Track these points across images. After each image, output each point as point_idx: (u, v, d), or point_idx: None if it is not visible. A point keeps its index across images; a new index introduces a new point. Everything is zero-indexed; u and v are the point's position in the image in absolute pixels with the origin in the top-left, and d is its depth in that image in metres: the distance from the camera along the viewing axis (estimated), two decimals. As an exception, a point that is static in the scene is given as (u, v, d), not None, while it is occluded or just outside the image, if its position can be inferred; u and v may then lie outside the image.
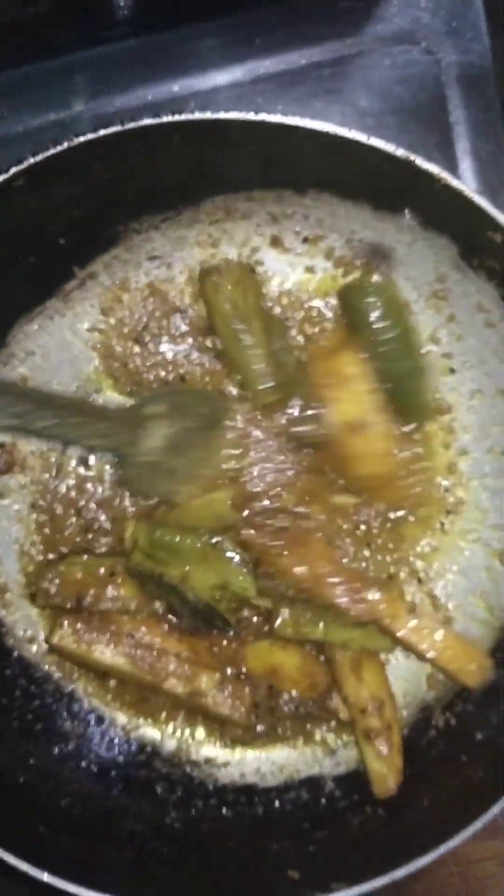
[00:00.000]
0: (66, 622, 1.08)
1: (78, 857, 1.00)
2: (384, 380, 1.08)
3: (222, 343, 1.11)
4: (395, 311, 1.08)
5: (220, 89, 1.21)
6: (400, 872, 0.97)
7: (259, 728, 1.13)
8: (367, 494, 1.13)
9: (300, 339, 1.13)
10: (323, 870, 1.02)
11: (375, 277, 1.10)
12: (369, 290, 1.08)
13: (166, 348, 1.13)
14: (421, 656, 1.11)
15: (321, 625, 1.08)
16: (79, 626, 1.08)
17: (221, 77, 1.21)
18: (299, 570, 1.08)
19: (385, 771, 1.07)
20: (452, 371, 1.14)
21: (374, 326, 1.07)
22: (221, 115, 0.89)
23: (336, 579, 1.09)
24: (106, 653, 1.08)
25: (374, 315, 1.07)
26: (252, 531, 1.09)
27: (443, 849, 0.97)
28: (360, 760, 1.11)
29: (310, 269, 1.13)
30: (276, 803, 1.14)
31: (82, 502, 1.14)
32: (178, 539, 1.06)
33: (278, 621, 1.08)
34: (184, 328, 1.13)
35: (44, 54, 1.23)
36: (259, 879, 1.03)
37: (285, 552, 1.08)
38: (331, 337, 1.13)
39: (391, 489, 1.13)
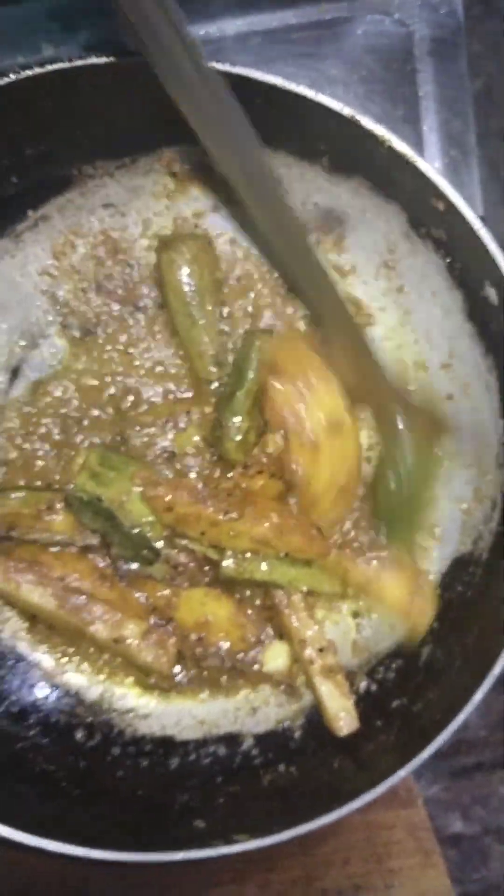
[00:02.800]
0: None
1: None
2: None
3: (173, 317, 1.12)
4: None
5: (190, 45, 1.20)
6: (303, 829, 0.97)
7: (180, 677, 1.14)
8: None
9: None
10: (228, 821, 1.03)
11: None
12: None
13: (116, 298, 1.14)
14: (372, 595, 1.13)
15: (265, 565, 1.09)
16: (10, 563, 1.09)
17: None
18: (259, 528, 1.07)
19: (350, 706, 1.10)
20: (399, 345, 1.15)
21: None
22: (172, 58, 0.88)
23: (295, 527, 1.09)
24: (34, 592, 1.08)
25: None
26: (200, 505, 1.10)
27: (344, 811, 0.98)
28: (274, 718, 1.13)
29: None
30: (193, 756, 1.15)
31: (27, 438, 1.14)
32: (128, 462, 1.08)
33: (224, 563, 1.08)
34: (136, 280, 1.14)
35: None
36: (165, 826, 1.04)
37: (235, 514, 1.08)
38: (293, 331, 1.14)
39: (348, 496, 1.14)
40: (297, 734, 1.15)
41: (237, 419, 1.10)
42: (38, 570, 1.09)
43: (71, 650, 1.16)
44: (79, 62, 0.88)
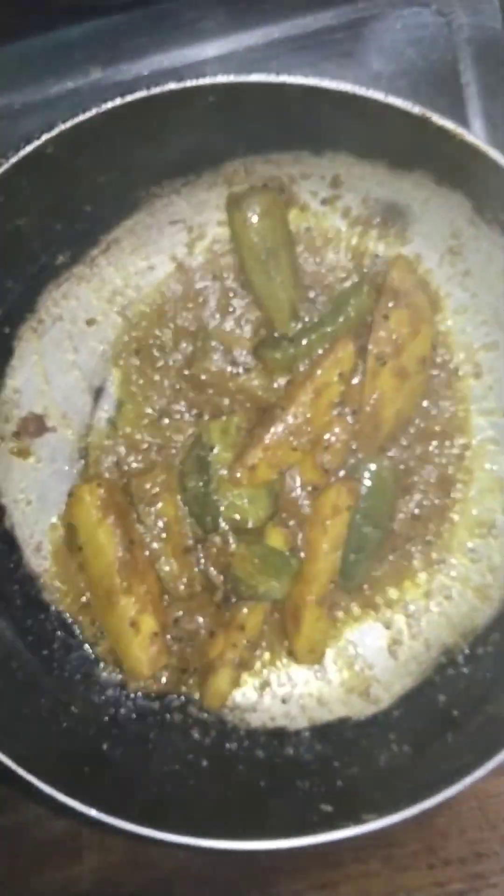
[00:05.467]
0: (103, 486, 1.12)
1: (120, 795, 1.05)
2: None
3: (248, 274, 1.13)
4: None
5: (235, 54, 1.23)
6: (427, 804, 1.01)
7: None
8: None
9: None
10: (353, 802, 1.07)
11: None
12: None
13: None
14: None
15: None
16: (112, 498, 1.13)
17: (236, 42, 1.23)
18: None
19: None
20: (464, 329, 1.18)
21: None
22: (243, 77, 0.91)
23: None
24: (112, 532, 1.12)
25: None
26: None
27: (467, 781, 1.01)
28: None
29: (329, 228, 1.16)
30: (306, 744, 1.19)
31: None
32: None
33: None
34: (209, 298, 1.17)
35: (61, 23, 1.25)
36: (293, 813, 1.08)
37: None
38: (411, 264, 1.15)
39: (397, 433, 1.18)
40: (400, 713, 1.19)
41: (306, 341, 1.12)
42: (125, 522, 1.13)
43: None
44: (155, 90, 0.91)
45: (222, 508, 1.12)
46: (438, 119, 0.93)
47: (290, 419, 1.10)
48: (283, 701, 1.22)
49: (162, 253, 1.16)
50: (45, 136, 0.91)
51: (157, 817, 1.01)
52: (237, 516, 1.12)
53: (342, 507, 1.12)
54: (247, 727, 1.20)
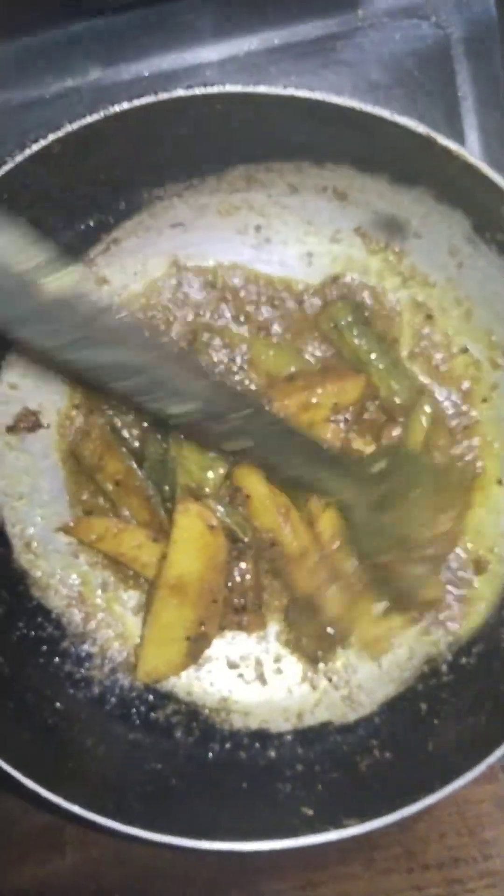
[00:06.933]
0: None
1: (102, 791, 1.06)
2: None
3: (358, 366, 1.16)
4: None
5: (234, 59, 1.23)
6: (408, 811, 1.02)
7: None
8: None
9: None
10: (334, 807, 1.08)
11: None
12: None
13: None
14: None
15: None
16: None
17: (236, 47, 1.23)
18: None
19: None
20: (465, 349, 1.19)
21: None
22: (251, 88, 0.92)
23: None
24: None
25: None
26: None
27: (447, 790, 1.02)
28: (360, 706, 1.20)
29: (332, 239, 1.17)
30: (289, 746, 1.20)
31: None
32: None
33: None
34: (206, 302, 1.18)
35: (61, 22, 1.25)
36: (273, 816, 1.09)
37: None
38: None
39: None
40: (382, 720, 1.21)
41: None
42: None
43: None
44: (163, 96, 0.91)
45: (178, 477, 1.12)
46: (443, 140, 0.94)
47: None
48: (268, 702, 1.23)
49: (161, 255, 1.16)
50: (51, 136, 0.91)
51: (138, 815, 1.02)
52: (192, 484, 1.12)
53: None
54: (230, 728, 1.21)
